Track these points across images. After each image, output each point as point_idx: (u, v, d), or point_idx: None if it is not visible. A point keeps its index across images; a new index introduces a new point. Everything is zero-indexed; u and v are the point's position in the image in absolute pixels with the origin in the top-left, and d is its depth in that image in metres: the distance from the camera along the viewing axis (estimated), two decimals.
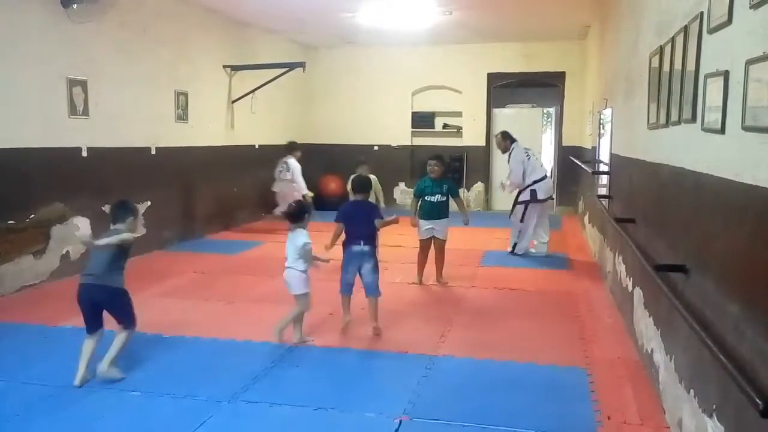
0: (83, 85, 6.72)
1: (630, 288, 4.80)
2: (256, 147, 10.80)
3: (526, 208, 7.80)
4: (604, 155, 7.16)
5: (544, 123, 13.24)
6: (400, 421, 3.35)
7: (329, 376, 4.08)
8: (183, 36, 8.57)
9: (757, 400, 1.79)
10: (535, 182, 7.76)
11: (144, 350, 4.43)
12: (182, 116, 8.60)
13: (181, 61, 8.53)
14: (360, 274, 4.83)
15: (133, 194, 6.46)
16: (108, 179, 7.09)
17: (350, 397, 3.69)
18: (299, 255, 4.49)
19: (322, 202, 10.50)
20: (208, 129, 9.31)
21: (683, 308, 2.73)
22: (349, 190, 7.22)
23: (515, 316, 5.40)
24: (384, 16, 9.32)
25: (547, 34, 11.18)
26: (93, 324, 3.91)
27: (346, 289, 4.87)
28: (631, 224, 4.67)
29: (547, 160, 13.26)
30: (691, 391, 2.88)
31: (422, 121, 12.74)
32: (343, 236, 4.91)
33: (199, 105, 8.97)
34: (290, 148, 9.75)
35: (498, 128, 12.39)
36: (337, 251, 4.94)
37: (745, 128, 2.23)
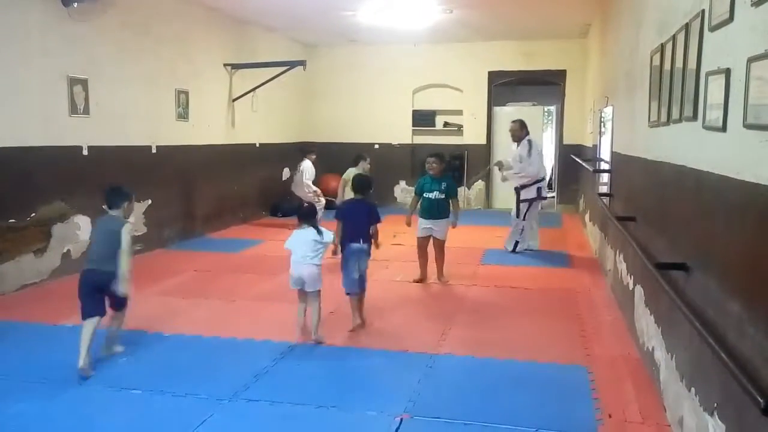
0: (84, 83, 6.72)
1: (631, 286, 4.80)
2: (257, 145, 10.80)
3: (530, 206, 7.78)
4: (605, 153, 7.16)
5: (545, 121, 13.25)
6: (401, 420, 3.36)
7: (330, 374, 4.08)
8: (184, 34, 8.57)
9: (759, 398, 1.79)
10: (542, 179, 7.77)
11: (145, 348, 4.44)
12: (183, 115, 8.60)
13: (181, 60, 8.53)
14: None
15: (133, 193, 6.46)
16: (109, 178, 7.05)
17: (351, 395, 3.70)
18: (316, 251, 4.58)
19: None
20: (208, 127, 9.31)
21: (684, 306, 2.73)
22: (341, 186, 7.24)
23: (516, 314, 5.40)
24: (385, 15, 9.31)
25: (547, 33, 11.16)
26: (92, 308, 4.03)
27: (352, 286, 4.90)
28: (632, 222, 4.67)
29: (548, 159, 13.25)
30: (692, 389, 2.88)
31: (423, 119, 12.73)
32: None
33: (200, 103, 8.97)
34: (303, 150, 9.80)
35: (499, 127, 12.49)
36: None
37: (747, 126, 2.23)
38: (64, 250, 6.54)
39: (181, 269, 6.97)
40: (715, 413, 2.50)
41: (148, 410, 3.48)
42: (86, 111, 6.78)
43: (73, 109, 6.61)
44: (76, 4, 6.39)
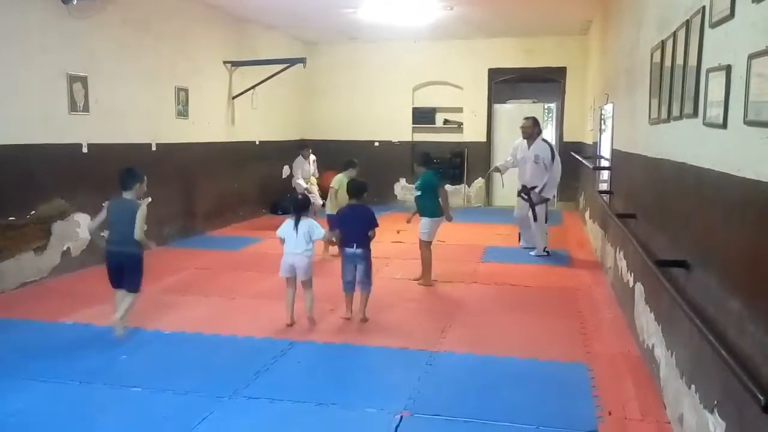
0: (83, 81, 6.71)
1: (631, 283, 4.80)
2: (257, 143, 10.80)
3: (546, 207, 7.65)
4: (605, 151, 7.15)
5: (545, 118, 13.21)
6: (401, 417, 3.36)
7: (330, 371, 4.08)
8: (184, 32, 8.56)
9: (759, 395, 1.79)
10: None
11: (145, 346, 4.45)
12: (183, 112, 8.59)
13: (181, 57, 8.52)
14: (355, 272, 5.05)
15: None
16: (108, 175, 7.01)
17: (351, 392, 3.69)
18: (309, 243, 4.82)
19: (324, 198, 10.46)
20: (208, 125, 9.30)
21: (684, 303, 2.73)
22: (330, 194, 7.27)
23: (516, 311, 5.40)
24: (385, 12, 9.30)
25: (548, 29, 11.14)
26: (118, 282, 4.59)
27: (347, 287, 5.07)
28: (632, 220, 4.66)
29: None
30: (692, 386, 2.87)
31: (423, 116, 12.71)
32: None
33: (200, 101, 8.95)
34: (299, 147, 9.85)
35: (499, 124, 12.49)
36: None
37: (747, 123, 2.22)
38: (64, 248, 6.54)
39: (182, 267, 6.96)
40: (715, 410, 2.50)
41: (149, 408, 3.48)
42: (86, 108, 6.77)
43: (73, 107, 6.60)
44: (75, 2, 6.37)
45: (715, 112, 2.61)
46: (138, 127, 7.68)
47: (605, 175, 6.89)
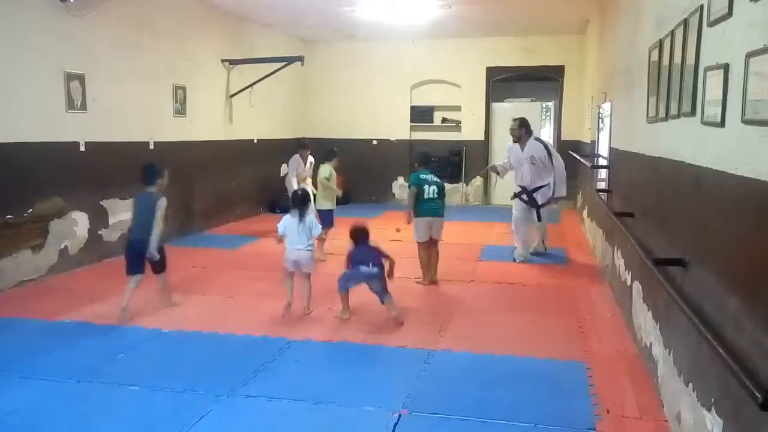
0: (81, 79, 6.69)
1: (629, 282, 4.81)
2: (255, 141, 10.78)
3: (548, 205, 7.56)
4: (603, 149, 7.15)
5: (543, 117, 13.21)
6: (399, 415, 3.36)
7: (328, 370, 4.08)
8: (181, 30, 8.54)
9: (757, 393, 1.79)
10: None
11: (143, 344, 4.44)
12: (180, 110, 8.58)
13: (179, 56, 8.50)
14: (369, 287, 4.98)
15: (131, 189, 6.44)
16: (106, 174, 7.08)
17: (349, 391, 3.69)
18: (310, 237, 5.03)
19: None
20: (206, 123, 9.29)
21: (682, 302, 2.73)
22: (322, 182, 7.30)
23: (514, 310, 5.41)
24: (383, 10, 9.29)
25: (546, 28, 11.15)
26: (135, 268, 4.94)
27: (341, 288, 5.05)
28: (630, 218, 4.67)
29: None
30: (690, 384, 2.88)
31: (421, 115, 12.71)
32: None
33: (198, 99, 8.94)
34: (299, 145, 9.79)
35: (497, 123, 12.48)
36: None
37: (745, 121, 2.23)
38: (62, 247, 6.53)
39: (179, 265, 6.94)
40: (713, 408, 2.51)
41: (147, 406, 3.48)
42: (83, 107, 6.76)
43: (70, 105, 6.59)
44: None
45: (713, 111, 2.61)
46: (136, 125, 7.66)
47: (603, 173, 6.89)
